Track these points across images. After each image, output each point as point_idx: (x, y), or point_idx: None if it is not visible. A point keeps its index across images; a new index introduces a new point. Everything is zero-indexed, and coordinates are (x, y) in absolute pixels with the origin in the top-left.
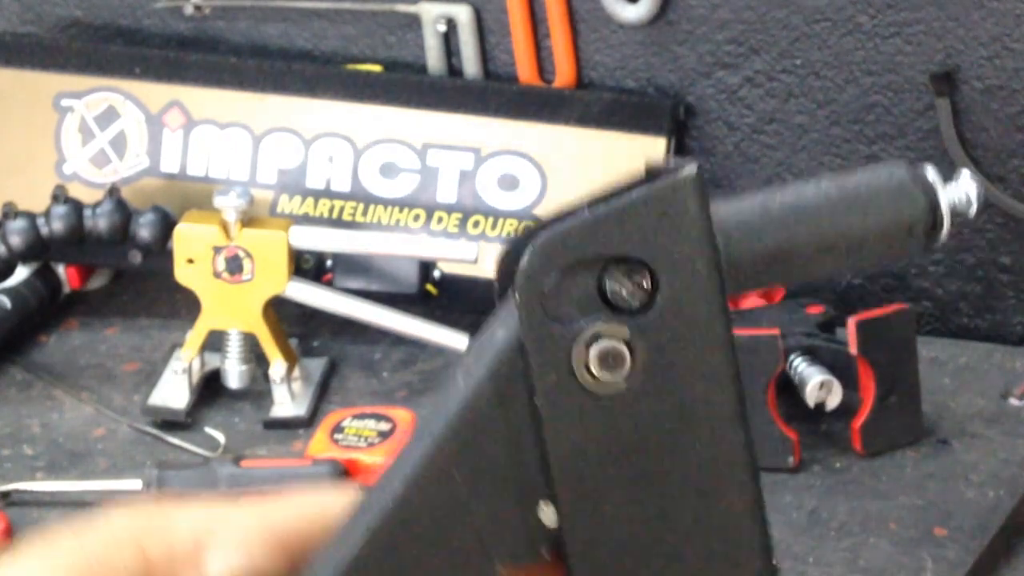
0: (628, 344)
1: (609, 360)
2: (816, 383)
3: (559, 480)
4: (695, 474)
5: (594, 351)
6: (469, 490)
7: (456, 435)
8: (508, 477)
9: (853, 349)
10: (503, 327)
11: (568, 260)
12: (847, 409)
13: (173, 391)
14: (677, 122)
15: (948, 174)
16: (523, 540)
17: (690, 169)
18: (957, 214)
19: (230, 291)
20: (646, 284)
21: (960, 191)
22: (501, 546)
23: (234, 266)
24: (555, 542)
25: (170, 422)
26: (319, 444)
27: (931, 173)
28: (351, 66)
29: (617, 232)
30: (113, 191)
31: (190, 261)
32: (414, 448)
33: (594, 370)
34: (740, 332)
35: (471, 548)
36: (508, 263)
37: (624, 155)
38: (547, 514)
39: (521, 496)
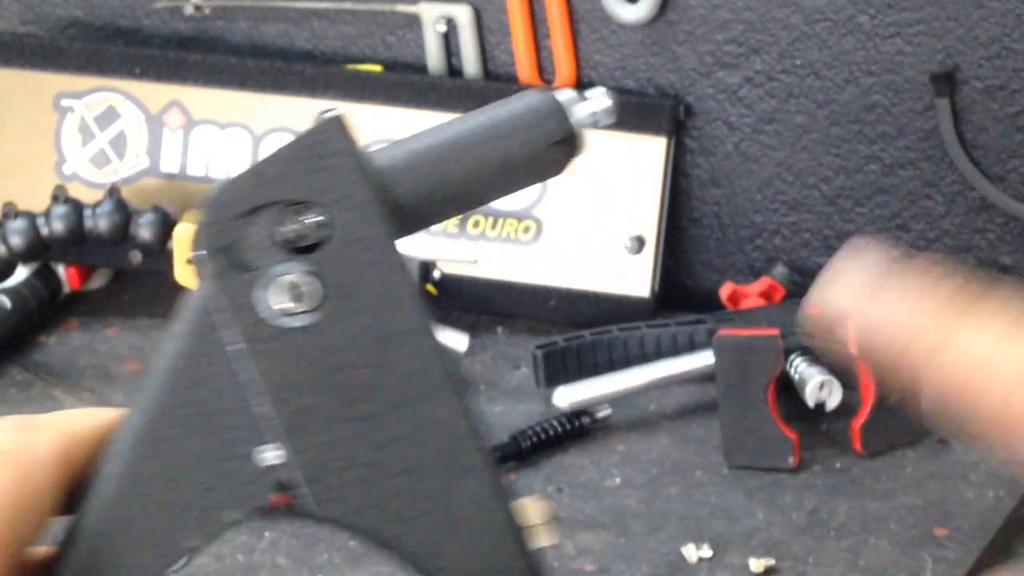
0: (310, 277)
1: (295, 291)
2: (816, 383)
3: (278, 413)
4: (397, 387)
5: (280, 286)
6: (182, 451)
7: (161, 402)
8: (218, 429)
9: (853, 349)
10: (195, 289)
11: (238, 209)
12: (847, 409)
13: None
14: (677, 122)
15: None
16: (246, 486)
17: (333, 113)
18: (590, 125)
19: None
20: (314, 221)
21: (592, 106)
22: (224, 496)
23: None
24: (281, 482)
25: None
26: None
27: (563, 94)
28: (351, 66)
29: (277, 177)
30: (113, 191)
31: (190, 261)
32: (133, 414)
33: (282, 305)
34: (740, 332)
35: (195, 503)
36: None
37: (624, 155)
38: (267, 457)
39: (235, 445)
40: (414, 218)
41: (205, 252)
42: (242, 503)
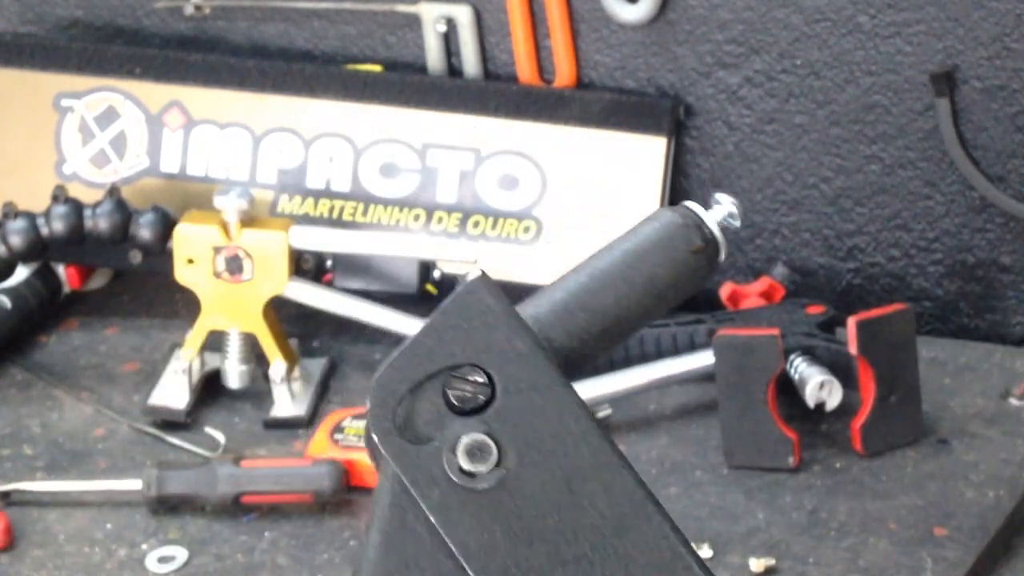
0: (490, 436)
1: (476, 454)
2: (816, 383)
3: None
4: (601, 521)
5: (460, 451)
6: None
7: None
8: None
9: (853, 349)
10: (381, 472)
11: (403, 388)
12: (847, 409)
13: (173, 391)
14: (677, 122)
15: (707, 203)
16: None
17: (474, 273)
18: (727, 230)
19: (230, 291)
20: (482, 379)
21: (722, 212)
22: None
23: (234, 266)
24: None
25: (170, 422)
26: (319, 444)
27: (693, 205)
28: (351, 66)
29: (434, 348)
30: (113, 191)
31: (190, 261)
32: None
33: (468, 468)
34: (740, 332)
35: None
36: None
37: (624, 155)
38: None
39: None
40: (576, 359)
41: (376, 438)
42: None
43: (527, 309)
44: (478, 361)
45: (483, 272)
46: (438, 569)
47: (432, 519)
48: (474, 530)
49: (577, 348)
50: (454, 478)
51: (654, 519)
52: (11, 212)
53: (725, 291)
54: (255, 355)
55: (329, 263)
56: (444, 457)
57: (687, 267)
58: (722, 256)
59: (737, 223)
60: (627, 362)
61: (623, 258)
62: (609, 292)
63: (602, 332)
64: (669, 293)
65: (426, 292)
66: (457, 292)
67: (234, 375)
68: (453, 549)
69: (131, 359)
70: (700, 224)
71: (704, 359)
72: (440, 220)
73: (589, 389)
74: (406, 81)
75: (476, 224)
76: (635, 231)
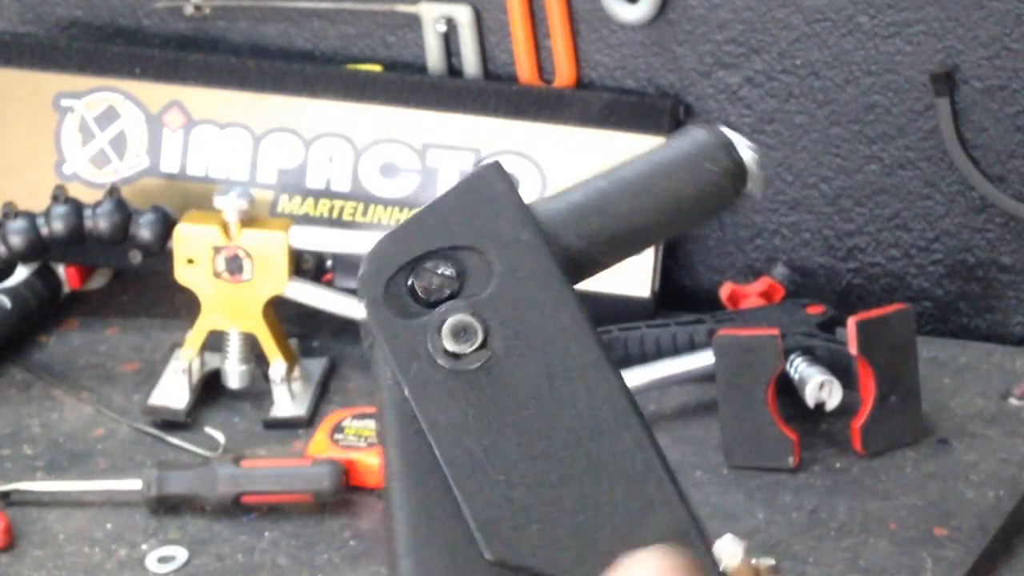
0: (479, 319)
1: (461, 334)
2: (816, 383)
3: (447, 461)
4: (578, 422)
5: (445, 330)
6: (452, 536)
7: (410, 507)
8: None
9: (853, 349)
10: (377, 372)
11: (399, 260)
12: (847, 409)
13: (173, 391)
14: (677, 122)
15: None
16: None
17: (490, 160)
18: (753, 160)
19: (230, 291)
20: (477, 265)
21: (752, 151)
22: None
23: (234, 266)
24: None
25: (170, 422)
26: (319, 444)
27: (726, 129)
28: (351, 66)
29: (437, 225)
30: (113, 191)
31: (190, 261)
32: (390, 523)
33: (451, 348)
34: (740, 332)
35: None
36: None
37: (624, 155)
38: None
39: None
40: (582, 262)
41: (364, 305)
42: None
43: (541, 204)
44: (481, 245)
45: (497, 161)
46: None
47: (407, 392)
48: (447, 409)
49: (584, 251)
50: (435, 355)
51: (633, 429)
52: (11, 212)
53: (725, 291)
54: (255, 355)
55: (329, 263)
56: (429, 333)
57: (713, 187)
58: (750, 185)
59: (757, 169)
60: (627, 362)
61: (648, 168)
62: (627, 200)
63: (613, 239)
64: (690, 211)
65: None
66: (469, 175)
67: (234, 375)
68: (423, 425)
69: (131, 359)
70: (730, 146)
71: (704, 359)
72: None
73: None
74: (406, 81)
75: None
76: (665, 145)
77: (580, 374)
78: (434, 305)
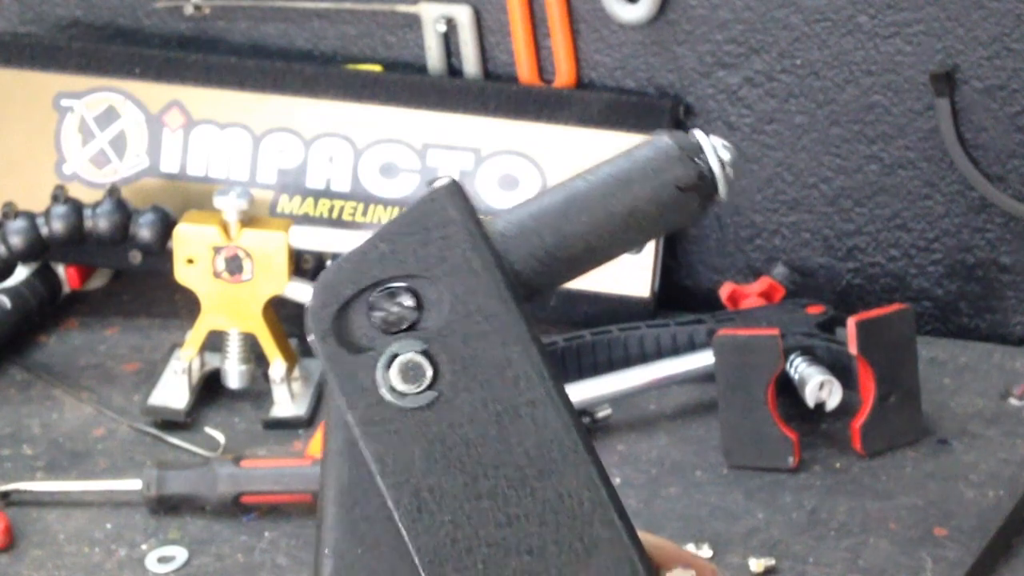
0: (427, 355)
1: (410, 373)
2: (816, 383)
3: (394, 499)
4: (525, 461)
5: (394, 369)
6: (377, 564)
7: (340, 530)
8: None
9: (853, 349)
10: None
11: (347, 291)
12: (847, 409)
13: (173, 391)
14: (677, 122)
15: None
16: None
17: (443, 182)
18: (720, 167)
19: (230, 291)
20: (427, 297)
21: (722, 152)
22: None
23: (234, 266)
24: None
25: (170, 422)
26: (319, 444)
27: (698, 134)
28: (351, 66)
29: (387, 254)
30: (113, 191)
31: (190, 261)
32: (322, 531)
33: (399, 387)
34: (740, 332)
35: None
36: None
37: None
38: None
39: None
40: (537, 283)
41: (313, 339)
42: None
43: (495, 224)
44: (430, 275)
45: (452, 180)
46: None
47: (354, 429)
48: (393, 447)
49: (540, 272)
50: (384, 393)
51: (581, 467)
52: (11, 212)
53: (725, 291)
54: (255, 355)
55: (329, 263)
56: (378, 370)
57: (675, 203)
58: (721, 194)
59: (731, 171)
60: (627, 362)
61: (605, 183)
62: (584, 219)
63: (569, 259)
64: (650, 227)
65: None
66: (421, 198)
67: (234, 375)
68: (369, 462)
69: (131, 359)
70: (696, 155)
71: (704, 359)
72: None
73: (589, 389)
74: (406, 81)
75: None
76: (626, 154)
77: (528, 411)
78: (393, 335)
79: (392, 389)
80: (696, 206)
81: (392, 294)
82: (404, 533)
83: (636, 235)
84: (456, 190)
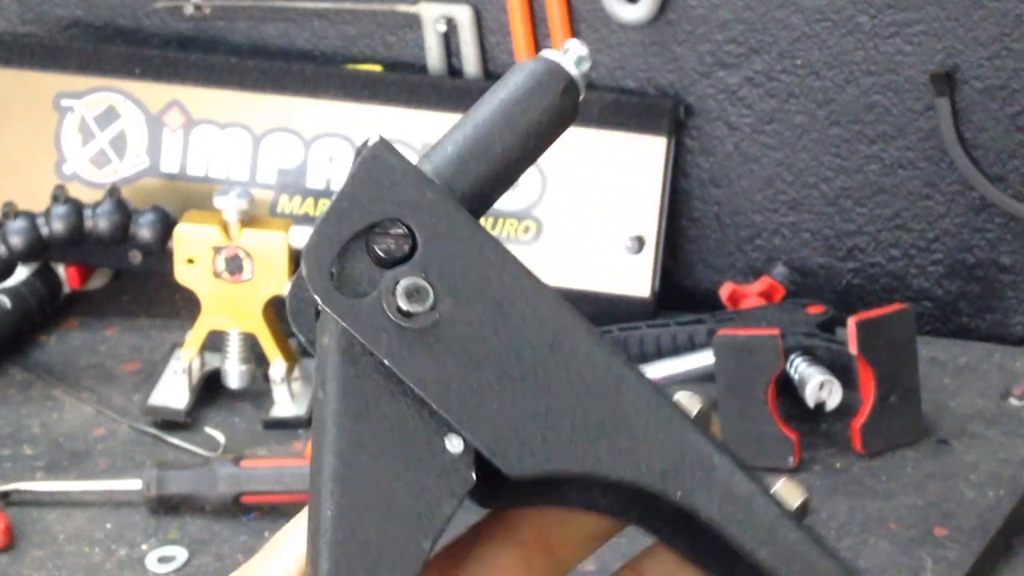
0: (420, 280)
1: (414, 295)
2: (816, 383)
3: (447, 411)
4: (534, 341)
5: (399, 295)
6: (383, 471)
7: (345, 437)
8: (406, 439)
9: (853, 349)
10: (324, 331)
11: (333, 248)
12: (847, 409)
13: (173, 391)
14: (677, 122)
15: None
16: (451, 476)
17: (374, 140)
18: (579, 69)
19: (230, 291)
20: (400, 233)
21: (574, 55)
22: (437, 492)
23: (234, 266)
24: (471, 461)
25: (170, 422)
26: None
27: (550, 53)
28: (351, 66)
29: (352, 209)
30: (113, 191)
31: (190, 261)
32: (322, 458)
33: (407, 309)
34: (740, 332)
35: (414, 511)
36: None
37: (624, 155)
38: (452, 443)
39: (427, 445)
40: (477, 205)
41: (319, 300)
42: (454, 491)
43: (425, 165)
44: (396, 215)
45: (381, 137)
46: (397, 408)
47: (387, 363)
48: (427, 366)
49: (477, 194)
50: (398, 322)
51: (580, 335)
52: (11, 212)
53: (725, 291)
54: (255, 355)
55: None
56: (384, 305)
57: (558, 110)
58: (582, 95)
59: (587, 65)
60: None
61: (503, 107)
62: (497, 140)
63: (495, 178)
64: (546, 135)
65: None
66: (361, 157)
67: (234, 375)
68: (412, 387)
69: (131, 359)
70: (560, 69)
71: (704, 359)
72: None
73: None
74: (406, 81)
75: None
76: (503, 83)
77: (520, 298)
78: (389, 266)
79: (405, 314)
80: (571, 109)
81: (385, 230)
82: (466, 435)
83: (538, 144)
84: (388, 144)
